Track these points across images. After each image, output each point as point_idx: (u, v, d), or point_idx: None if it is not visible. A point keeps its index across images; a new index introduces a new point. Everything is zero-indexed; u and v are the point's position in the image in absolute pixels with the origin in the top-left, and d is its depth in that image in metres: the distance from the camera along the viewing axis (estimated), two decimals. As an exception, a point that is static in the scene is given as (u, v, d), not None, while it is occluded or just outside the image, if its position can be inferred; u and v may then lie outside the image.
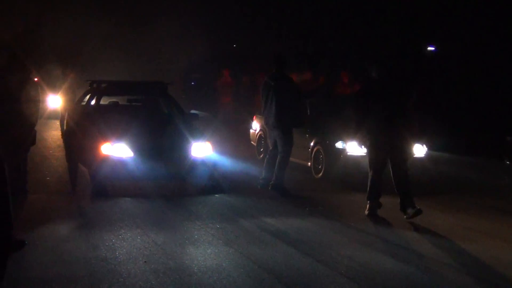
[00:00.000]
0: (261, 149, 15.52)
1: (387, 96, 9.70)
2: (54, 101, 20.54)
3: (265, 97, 12.04)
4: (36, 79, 13.47)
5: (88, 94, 13.43)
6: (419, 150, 12.88)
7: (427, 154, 13.06)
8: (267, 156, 12.52)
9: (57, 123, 20.63)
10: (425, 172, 12.80)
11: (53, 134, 20.10)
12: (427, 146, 13.20)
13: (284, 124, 11.92)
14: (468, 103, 18.45)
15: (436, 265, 7.37)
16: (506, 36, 20.17)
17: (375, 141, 9.86)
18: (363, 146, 10.58)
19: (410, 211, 9.61)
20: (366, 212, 9.92)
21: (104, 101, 13.48)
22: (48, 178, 12.67)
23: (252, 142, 16.28)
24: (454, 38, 20.99)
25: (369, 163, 10.05)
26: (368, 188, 9.96)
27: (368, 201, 9.98)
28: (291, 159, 13.28)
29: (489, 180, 13.39)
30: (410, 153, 10.03)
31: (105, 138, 11.17)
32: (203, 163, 11.51)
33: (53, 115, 21.39)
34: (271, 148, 12.40)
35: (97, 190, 11.08)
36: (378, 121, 9.72)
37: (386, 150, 9.81)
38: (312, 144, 13.45)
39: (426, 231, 9.09)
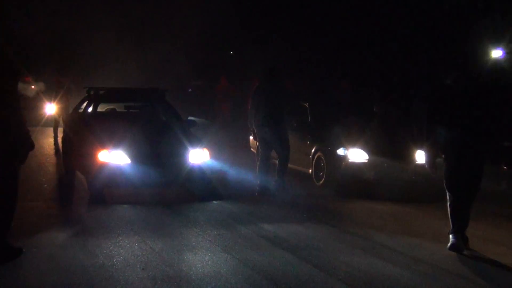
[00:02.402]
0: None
1: (466, 104, 8.12)
2: (51, 108, 20.53)
3: (256, 101, 12.38)
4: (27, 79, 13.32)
5: (85, 101, 13.43)
6: (422, 156, 12.86)
7: None
8: (259, 161, 12.74)
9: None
10: (428, 178, 12.77)
11: (50, 141, 20.08)
12: None
13: (272, 121, 12.27)
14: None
15: (434, 271, 7.35)
16: None
17: (453, 154, 8.20)
18: (430, 163, 8.52)
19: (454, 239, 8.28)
20: (448, 246, 8.24)
21: (101, 108, 13.46)
22: (45, 186, 12.63)
23: (251, 149, 16.27)
24: None
25: (446, 183, 8.32)
26: (450, 218, 8.32)
27: (451, 235, 8.31)
28: (293, 166, 13.34)
29: (487, 186, 13.36)
30: (482, 172, 8.23)
31: (103, 145, 11.15)
32: (201, 169, 11.49)
33: (49, 123, 21.36)
34: (262, 150, 12.61)
35: (94, 197, 11.05)
36: (455, 132, 8.14)
37: (466, 165, 8.17)
38: (313, 151, 13.43)
39: (426, 237, 9.05)
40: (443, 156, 8.28)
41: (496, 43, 18.42)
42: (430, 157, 8.45)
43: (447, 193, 8.30)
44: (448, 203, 8.30)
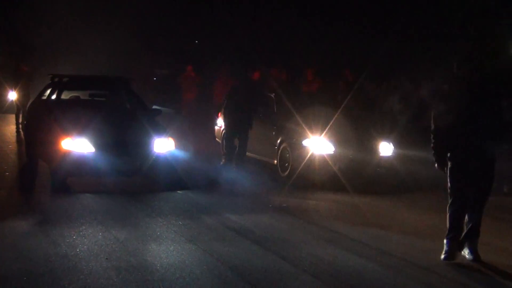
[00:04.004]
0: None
1: (473, 99, 7.47)
2: (12, 95, 20.28)
3: (233, 101, 13.80)
4: None
5: (49, 88, 13.25)
6: (387, 148, 12.95)
7: (394, 153, 13.13)
8: (225, 139, 14.13)
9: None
10: (393, 170, 12.87)
11: (12, 128, 19.81)
12: (394, 145, 13.27)
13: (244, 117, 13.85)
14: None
15: (400, 263, 7.38)
16: None
17: (456, 161, 7.58)
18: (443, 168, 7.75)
19: (468, 253, 7.61)
20: (442, 256, 7.58)
21: (65, 95, 13.30)
22: (7, 173, 12.48)
23: (217, 139, 16.21)
24: None
25: (451, 184, 7.63)
26: (447, 222, 7.66)
27: (445, 241, 7.64)
28: (259, 157, 13.47)
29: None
30: (493, 175, 7.59)
31: (66, 133, 11.02)
32: (166, 159, 11.43)
33: (11, 109, 21.09)
34: (230, 129, 13.97)
35: (57, 186, 10.93)
36: (460, 136, 7.50)
37: (469, 170, 7.55)
38: (278, 141, 13.41)
39: (391, 229, 9.10)
40: (448, 155, 7.62)
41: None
42: (441, 157, 7.68)
43: (449, 195, 7.64)
44: (448, 206, 7.64)
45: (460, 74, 7.61)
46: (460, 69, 7.62)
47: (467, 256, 7.52)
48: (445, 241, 7.60)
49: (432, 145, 7.68)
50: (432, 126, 7.67)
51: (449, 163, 7.60)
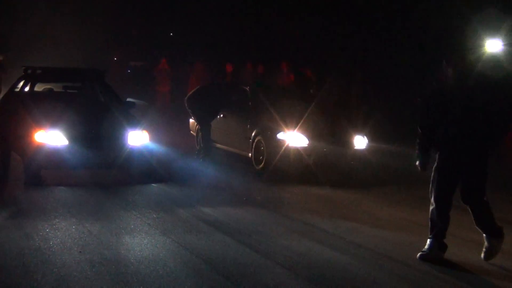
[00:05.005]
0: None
1: (468, 106, 7.29)
2: None
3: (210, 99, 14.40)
4: None
5: (22, 80, 13.14)
6: (361, 142, 13.02)
7: (368, 146, 13.21)
8: (202, 131, 14.30)
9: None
10: (366, 163, 12.95)
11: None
12: (368, 138, 13.35)
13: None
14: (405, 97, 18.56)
15: (373, 255, 7.43)
16: None
17: (444, 160, 7.43)
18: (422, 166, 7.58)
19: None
20: (420, 254, 7.39)
21: (38, 88, 13.20)
22: (-21, 166, 12.36)
23: (191, 132, 16.19)
24: None
25: (432, 189, 7.50)
26: (429, 223, 7.51)
27: (428, 239, 7.47)
28: (233, 149, 13.53)
29: (426, 172, 13.54)
30: (486, 176, 7.35)
31: (39, 126, 10.95)
32: (140, 151, 11.40)
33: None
34: (206, 121, 14.29)
35: (30, 179, 10.85)
36: (450, 136, 7.35)
37: (457, 172, 7.39)
38: (253, 134, 13.40)
39: (365, 222, 9.15)
40: (437, 153, 7.46)
41: (494, 34, 17.71)
42: (423, 157, 7.52)
43: (431, 192, 7.47)
44: (431, 202, 7.47)
45: (456, 76, 7.37)
46: (455, 71, 7.37)
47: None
48: (428, 241, 7.43)
49: (417, 141, 7.48)
50: (420, 123, 7.44)
51: (436, 163, 7.45)
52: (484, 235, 7.39)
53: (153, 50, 28.99)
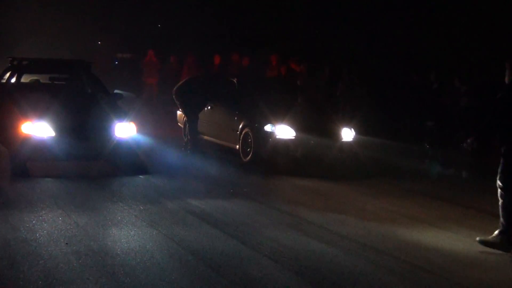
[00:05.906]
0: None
1: None
2: None
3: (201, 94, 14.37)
4: None
5: (8, 72, 13.08)
6: (348, 134, 13.03)
7: (355, 138, 13.23)
8: (190, 123, 14.31)
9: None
10: (353, 156, 12.97)
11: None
12: (355, 131, 13.37)
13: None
14: (393, 90, 18.54)
15: (359, 247, 7.45)
16: None
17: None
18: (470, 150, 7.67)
19: None
20: (479, 239, 7.58)
21: (25, 79, 13.14)
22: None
23: (179, 124, 16.17)
24: None
25: (504, 179, 7.41)
26: (500, 215, 7.50)
27: (496, 232, 7.51)
28: (220, 141, 13.54)
29: (411, 164, 13.62)
30: None
31: (26, 117, 10.91)
32: (127, 143, 11.38)
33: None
34: (194, 113, 14.30)
35: (17, 170, 10.81)
36: None
37: None
38: (240, 126, 13.38)
39: (351, 214, 9.17)
40: (502, 149, 7.43)
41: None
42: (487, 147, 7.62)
43: (501, 190, 7.46)
44: (501, 201, 7.45)
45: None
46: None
47: None
48: (496, 232, 7.48)
49: (482, 133, 7.53)
50: (491, 118, 7.41)
51: (503, 159, 7.40)
52: (500, 228, 7.45)
53: (141, 42, 28.85)
